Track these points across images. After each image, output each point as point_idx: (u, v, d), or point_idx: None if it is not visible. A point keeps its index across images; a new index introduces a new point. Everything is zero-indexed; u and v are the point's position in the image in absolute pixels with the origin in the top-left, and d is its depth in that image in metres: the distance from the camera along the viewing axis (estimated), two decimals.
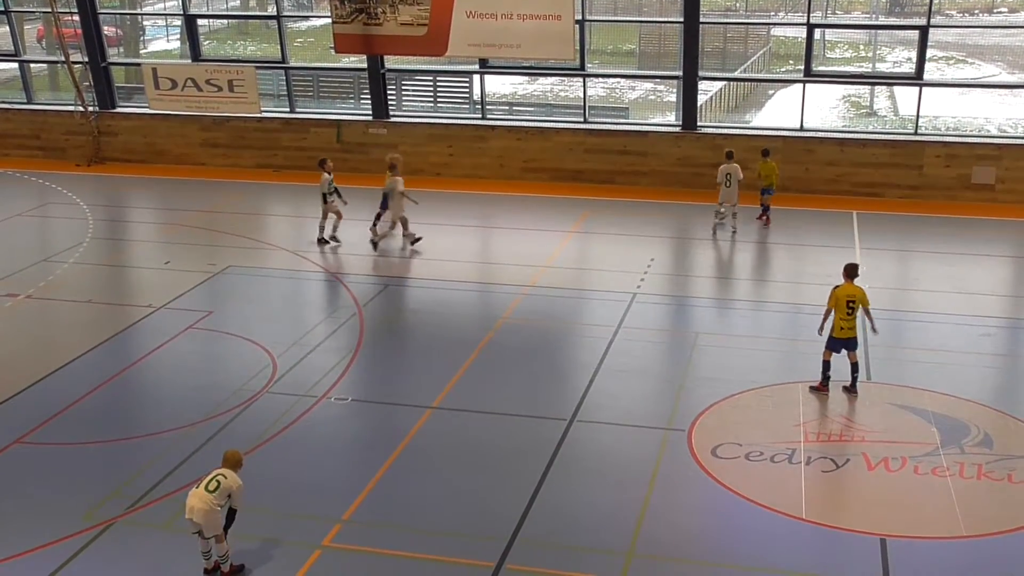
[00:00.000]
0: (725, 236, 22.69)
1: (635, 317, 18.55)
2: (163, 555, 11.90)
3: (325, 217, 22.37)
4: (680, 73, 26.53)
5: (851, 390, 15.40)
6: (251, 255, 21.94)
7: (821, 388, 15.48)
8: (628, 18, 45.33)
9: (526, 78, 37.87)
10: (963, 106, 35.40)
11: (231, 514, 11.35)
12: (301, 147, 28.67)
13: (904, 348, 17.40)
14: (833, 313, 15.24)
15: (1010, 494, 13.03)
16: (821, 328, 15.47)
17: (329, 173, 22.19)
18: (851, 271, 15.43)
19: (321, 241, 22.38)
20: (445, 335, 18.13)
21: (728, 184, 22.43)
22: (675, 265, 21.52)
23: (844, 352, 15.32)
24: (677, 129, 26.75)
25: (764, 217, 23.36)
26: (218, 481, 11.19)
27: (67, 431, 14.71)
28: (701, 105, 28.32)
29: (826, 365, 15.43)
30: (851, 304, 15.11)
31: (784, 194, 25.61)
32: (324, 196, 22.16)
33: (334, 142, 28.35)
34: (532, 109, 36.22)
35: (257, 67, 29.10)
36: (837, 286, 15.33)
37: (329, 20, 27.21)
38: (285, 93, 29.63)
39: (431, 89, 31.30)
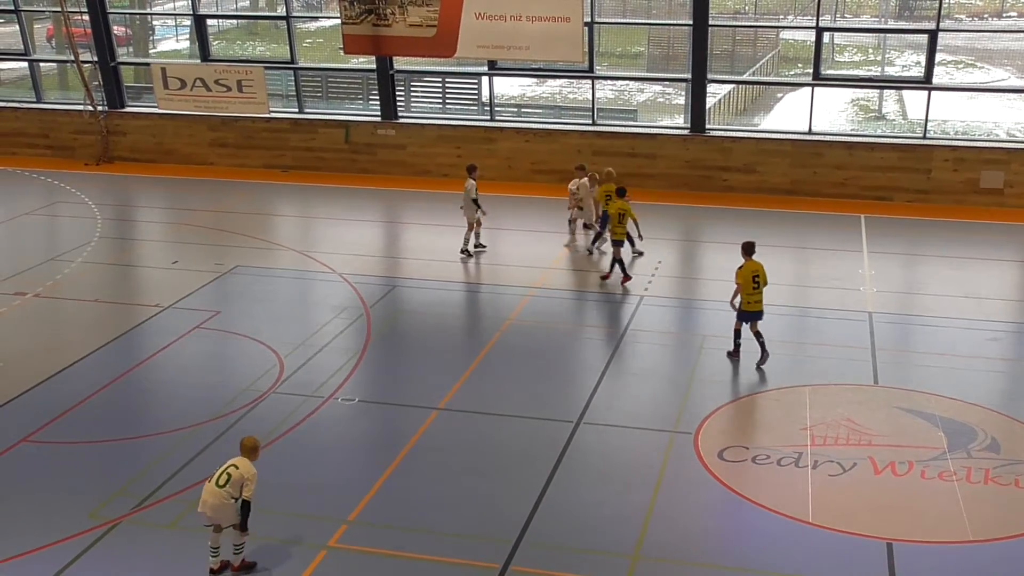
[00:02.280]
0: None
1: (642, 319, 18.55)
2: (169, 554, 11.92)
3: (475, 226, 21.88)
4: (689, 76, 26.54)
5: (763, 359, 16.46)
6: (259, 255, 21.97)
7: (734, 354, 16.72)
8: (637, 20, 45.28)
9: (535, 80, 37.88)
10: (972, 110, 35.30)
11: (245, 506, 11.26)
12: (309, 147, 28.72)
13: (911, 352, 17.38)
14: (742, 292, 16.39)
15: (1017, 499, 12.99)
16: (732, 302, 16.56)
17: (475, 180, 21.73)
18: (749, 248, 16.51)
19: (472, 249, 21.94)
20: (452, 336, 18.14)
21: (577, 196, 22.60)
22: (682, 268, 21.49)
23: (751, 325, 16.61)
24: (686, 132, 26.74)
25: (608, 275, 20.22)
26: (228, 474, 11.19)
27: (74, 430, 14.74)
28: (710, 108, 28.30)
29: (736, 334, 16.71)
30: (756, 279, 16.32)
31: (792, 197, 25.65)
32: (475, 202, 21.56)
33: (342, 142, 28.40)
34: (540, 111, 36.20)
35: (266, 67, 29.15)
36: (741, 266, 16.36)
37: (338, 21, 27.26)
38: (294, 93, 29.68)
39: (440, 90, 31.32)
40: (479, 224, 21.97)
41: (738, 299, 16.44)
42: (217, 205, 25.65)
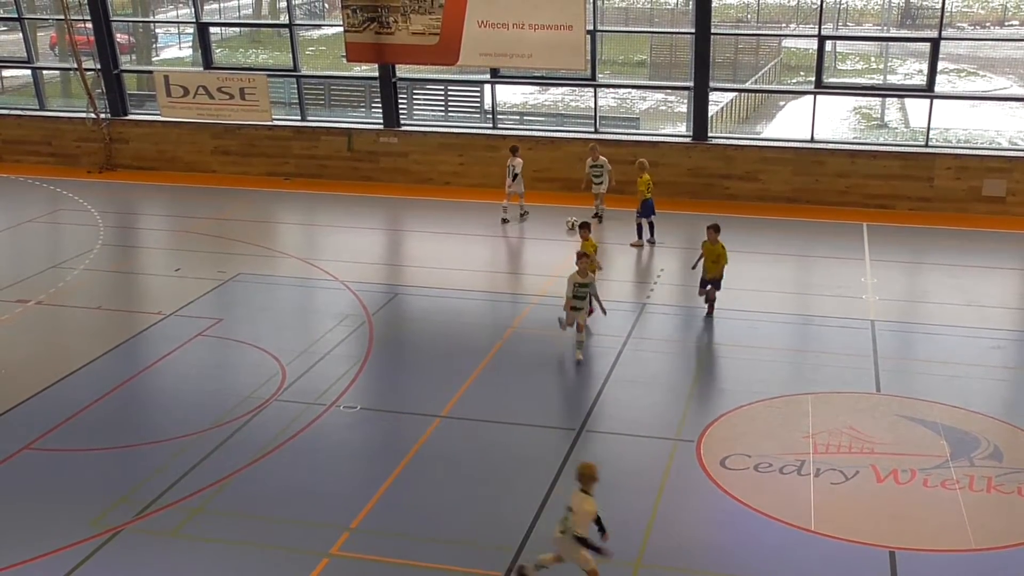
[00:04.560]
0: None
1: (644, 327, 18.54)
2: (171, 563, 11.90)
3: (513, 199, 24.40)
4: (691, 84, 26.55)
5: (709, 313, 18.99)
6: (261, 263, 21.97)
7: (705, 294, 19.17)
8: (639, 29, 45.38)
9: (537, 88, 37.92)
10: (974, 118, 35.34)
11: (580, 541, 10.77)
12: (312, 155, 28.74)
13: (914, 360, 17.37)
14: (704, 261, 18.85)
15: (1020, 507, 12.97)
16: (694, 266, 19.34)
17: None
18: (715, 229, 18.89)
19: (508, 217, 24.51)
20: (454, 344, 18.13)
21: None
22: (685, 276, 21.47)
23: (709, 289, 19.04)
24: (688, 140, 26.76)
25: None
26: (566, 521, 10.84)
27: (76, 437, 14.74)
28: (712, 116, 28.32)
29: (704, 294, 19.11)
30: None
31: (794, 205, 25.65)
32: (516, 176, 24.13)
33: (345, 150, 28.42)
34: (543, 119, 36.26)
35: (269, 75, 29.17)
36: (704, 242, 18.69)
37: (341, 29, 27.29)
38: (296, 101, 29.71)
39: (442, 98, 31.35)
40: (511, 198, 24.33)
41: (701, 263, 18.95)
42: (219, 213, 25.68)
